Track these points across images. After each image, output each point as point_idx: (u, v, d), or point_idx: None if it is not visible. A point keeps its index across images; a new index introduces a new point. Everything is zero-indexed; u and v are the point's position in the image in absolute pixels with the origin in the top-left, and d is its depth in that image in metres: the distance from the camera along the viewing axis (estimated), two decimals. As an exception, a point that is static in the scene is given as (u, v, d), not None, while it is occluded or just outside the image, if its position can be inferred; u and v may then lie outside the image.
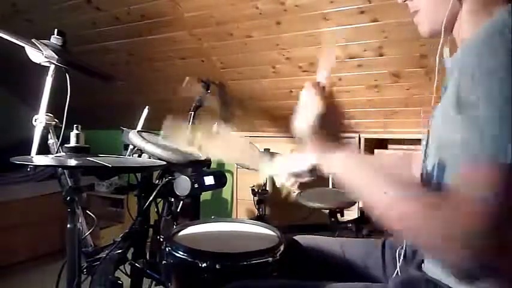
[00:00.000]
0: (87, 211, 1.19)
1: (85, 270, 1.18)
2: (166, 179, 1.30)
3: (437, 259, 0.63)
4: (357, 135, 2.37)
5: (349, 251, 1.00)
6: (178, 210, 1.47)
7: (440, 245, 0.54)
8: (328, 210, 1.87)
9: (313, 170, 0.86)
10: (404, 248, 0.90)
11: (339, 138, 0.70)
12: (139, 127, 1.58)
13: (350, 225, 1.88)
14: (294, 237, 1.08)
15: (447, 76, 0.76)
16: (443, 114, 0.68)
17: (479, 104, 0.53)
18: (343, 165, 0.68)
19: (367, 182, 0.65)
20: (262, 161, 0.97)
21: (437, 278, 0.72)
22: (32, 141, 1.08)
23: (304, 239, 1.07)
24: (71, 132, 1.04)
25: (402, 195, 0.59)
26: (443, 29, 0.74)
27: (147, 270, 1.31)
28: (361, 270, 0.96)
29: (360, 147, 2.34)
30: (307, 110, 0.70)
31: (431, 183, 0.71)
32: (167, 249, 1.02)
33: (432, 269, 0.75)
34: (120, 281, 1.17)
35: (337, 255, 0.99)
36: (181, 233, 1.16)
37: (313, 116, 0.69)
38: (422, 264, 0.80)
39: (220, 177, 1.46)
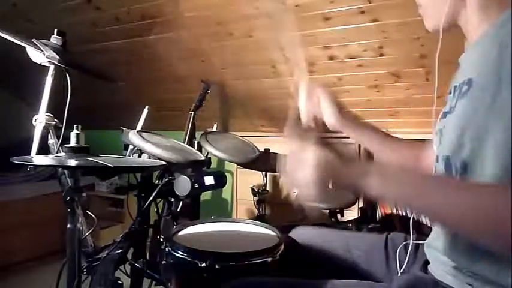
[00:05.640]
0: (87, 211, 1.19)
1: (85, 270, 1.18)
2: (166, 179, 1.30)
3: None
4: (357, 135, 2.37)
5: (352, 246, 0.98)
6: (178, 210, 1.47)
7: None
8: (328, 210, 1.87)
9: None
10: (406, 244, 0.89)
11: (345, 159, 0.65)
12: (139, 127, 1.58)
13: (350, 225, 1.88)
14: (293, 230, 1.08)
15: (461, 74, 0.74)
16: (472, 111, 0.65)
17: None
18: (382, 185, 0.62)
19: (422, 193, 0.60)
20: None
21: (445, 281, 0.72)
22: (32, 141, 1.08)
23: (305, 232, 1.06)
24: (71, 132, 1.04)
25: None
26: (441, 30, 0.74)
27: (147, 270, 1.30)
28: (364, 266, 0.95)
29: (359, 148, 2.34)
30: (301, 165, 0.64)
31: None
32: (167, 249, 1.02)
33: (439, 271, 0.75)
34: (120, 281, 1.17)
35: (339, 249, 0.98)
36: (181, 233, 1.16)
37: (310, 167, 0.63)
38: (428, 266, 0.79)
39: (220, 177, 1.46)
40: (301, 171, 0.64)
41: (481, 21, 0.69)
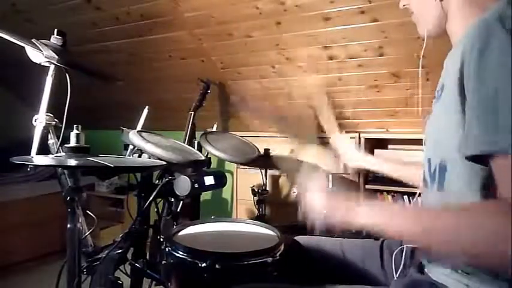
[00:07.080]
0: (87, 211, 1.19)
1: (85, 270, 1.18)
2: (166, 179, 1.30)
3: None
4: (357, 135, 2.36)
5: (349, 252, 1.00)
6: (178, 210, 1.47)
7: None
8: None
9: None
10: (402, 249, 0.89)
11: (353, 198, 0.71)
12: (139, 127, 1.58)
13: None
14: (295, 238, 1.09)
15: (443, 75, 0.76)
16: (442, 114, 0.68)
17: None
18: (375, 216, 0.67)
19: (412, 222, 0.63)
20: None
21: (441, 282, 0.72)
22: (32, 141, 1.08)
23: (305, 240, 1.07)
24: (71, 132, 1.04)
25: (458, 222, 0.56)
26: (426, 34, 0.82)
27: (147, 270, 1.30)
28: (361, 270, 0.96)
29: (359, 140, 2.34)
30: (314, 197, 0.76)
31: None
32: (167, 249, 1.02)
33: (435, 272, 0.75)
34: (120, 281, 1.17)
35: (337, 255, 1.00)
36: (181, 233, 1.16)
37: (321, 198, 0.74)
38: (425, 267, 0.80)
39: (220, 177, 1.46)
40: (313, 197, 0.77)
41: (459, 30, 0.73)
